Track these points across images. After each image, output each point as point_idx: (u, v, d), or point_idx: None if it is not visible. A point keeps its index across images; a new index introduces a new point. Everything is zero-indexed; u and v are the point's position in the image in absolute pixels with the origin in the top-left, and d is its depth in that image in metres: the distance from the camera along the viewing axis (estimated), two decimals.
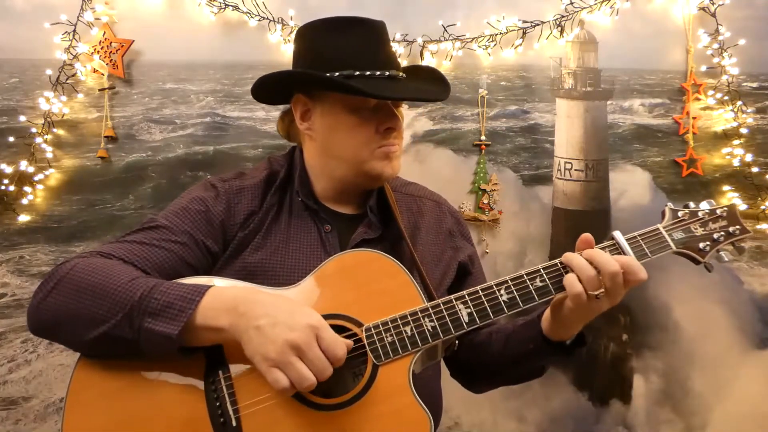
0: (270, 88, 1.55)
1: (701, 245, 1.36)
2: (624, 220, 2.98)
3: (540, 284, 1.31)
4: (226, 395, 1.24)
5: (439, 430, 1.49)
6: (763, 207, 2.95)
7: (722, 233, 1.37)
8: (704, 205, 1.40)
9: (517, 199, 2.99)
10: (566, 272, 1.30)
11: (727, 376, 2.96)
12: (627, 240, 1.33)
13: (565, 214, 2.98)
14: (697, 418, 2.95)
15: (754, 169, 2.95)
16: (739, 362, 2.97)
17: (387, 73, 1.45)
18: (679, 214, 1.39)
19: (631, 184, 3.02)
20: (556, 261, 1.32)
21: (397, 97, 1.46)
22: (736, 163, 2.97)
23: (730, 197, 2.96)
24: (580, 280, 1.25)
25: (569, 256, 1.29)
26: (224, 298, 1.22)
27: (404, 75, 1.51)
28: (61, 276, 1.28)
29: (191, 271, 1.41)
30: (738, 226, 1.37)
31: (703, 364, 2.96)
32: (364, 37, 1.46)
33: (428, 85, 1.56)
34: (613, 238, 1.34)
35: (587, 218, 2.98)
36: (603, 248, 1.32)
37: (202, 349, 1.24)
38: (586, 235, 1.32)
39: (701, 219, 1.38)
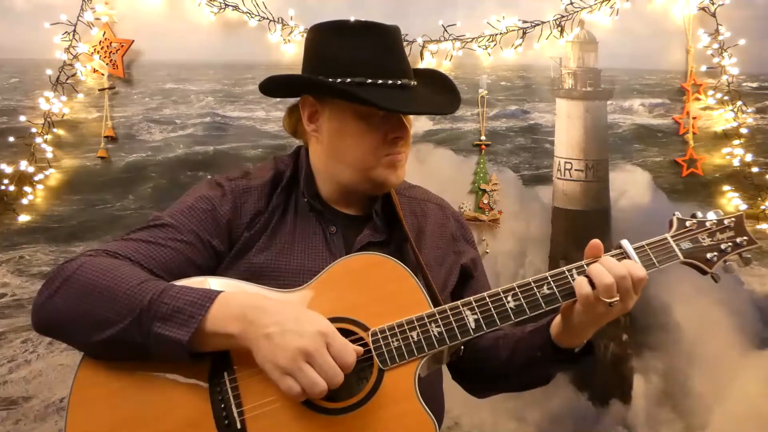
0: (279, 86, 1.56)
1: (708, 255, 1.36)
2: (624, 220, 2.98)
3: (547, 291, 1.31)
4: (231, 397, 1.24)
5: (440, 430, 1.49)
6: (763, 207, 2.95)
7: (730, 244, 1.37)
8: (712, 215, 1.40)
9: (517, 199, 2.99)
10: (573, 279, 1.30)
11: (727, 376, 2.96)
12: (635, 249, 1.33)
13: (565, 214, 2.98)
14: (697, 418, 2.96)
15: (754, 169, 2.95)
16: (739, 362, 2.97)
17: (399, 82, 1.43)
18: (687, 223, 1.39)
19: (631, 184, 3.02)
20: (563, 269, 1.32)
21: (409, 111, 1.45)
22: (736, 163, 2.97)
23: (730, 197, 2.97)
24: (592, 285, 1.26)
25: (588, 271, 1.29)
26: (233, 304, 1.21)
27: (415, 83, 1.49)
28: (68, 275, 1.27)
29: (197, 271, 1.39)
30: (745, 237, 1.38)
31: (703, 364, 2.97)
32: (377, 44, 1.44)
33: (439, 95, 1.53)
34: (620, 246, 1.34)
35: (587, 218, 2.98)
36: (611, 257, 1.32)
37: (209, 352, 1.24)
38: (596, 242, 1.33)
39: (709, 229, 1.38)
